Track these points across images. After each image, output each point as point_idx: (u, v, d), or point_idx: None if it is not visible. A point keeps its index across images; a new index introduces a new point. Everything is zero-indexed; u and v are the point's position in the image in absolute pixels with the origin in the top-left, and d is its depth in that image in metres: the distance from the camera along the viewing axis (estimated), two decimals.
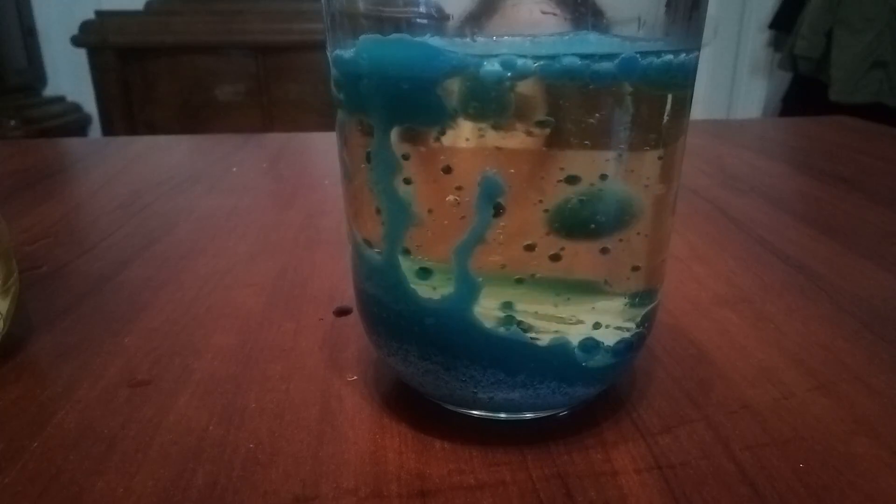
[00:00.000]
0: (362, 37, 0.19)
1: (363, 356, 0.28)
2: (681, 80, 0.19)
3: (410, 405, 0.24)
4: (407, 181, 0.19)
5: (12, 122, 1.73)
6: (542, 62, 0.17)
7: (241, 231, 0.44)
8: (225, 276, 0.36)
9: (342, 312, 0.31)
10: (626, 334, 0.21)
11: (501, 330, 0.20)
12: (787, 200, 0.52)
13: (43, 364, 0.27)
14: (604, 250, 0.19)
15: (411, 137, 0.18)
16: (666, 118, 0.19)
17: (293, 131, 0.82)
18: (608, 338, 0.21)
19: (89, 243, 0.41)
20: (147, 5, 1.98)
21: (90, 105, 1.93)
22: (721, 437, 0.22)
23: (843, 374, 0.26)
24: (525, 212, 0.18)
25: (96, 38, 1.81)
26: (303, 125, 1.97)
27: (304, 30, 2.09)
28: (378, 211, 0.20)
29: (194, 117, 2.06)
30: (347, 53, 0.19)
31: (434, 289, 0.20)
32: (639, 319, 0.22)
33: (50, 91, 2.04)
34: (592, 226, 0.19)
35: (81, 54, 1.80)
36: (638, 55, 0.17)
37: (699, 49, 0.20)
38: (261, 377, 0.26)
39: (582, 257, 0.19)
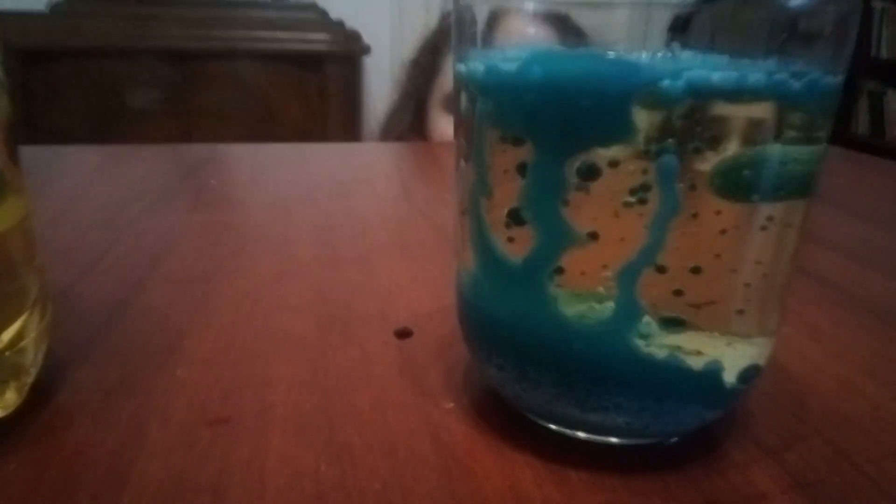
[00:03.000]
0: (532, 48, 0.18)
1: (448, 381, 0.26)
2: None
3: (523, 432, 0.23)
4: (571, 201, 0.18)
5: None
6: (770, 80, 0.17)
7: (251, 248, 0.41)
8: (258, 299, 0.33)
9: (403, 335, 0.30)
10: (761, 360, 0.21)
11: (658, 356, 0.19)
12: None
13: (92, 404, 0.24)
14: (765, 276, 0.19)
15: (586, 156, 0.18)
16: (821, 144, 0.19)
17: (213, 142, 0.78)
18: (747, 361, 0.21)
19: (84, 265, 0.37)
20: (52, 7, 1.85)
21: None
22: (841, 452, 0.22)
23: None
24: (696, 235, 0.18)
25: None
26: (223, 136, 1.89)
27: (225, 37, 2.01)
28: (527, 230, 0.19)
29: (103, 125, 1.93)
30: (508, 65, 0.18)
31: (589, 313, 0.19)
32: (769, 344, 0.22)
33: None
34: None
35: None
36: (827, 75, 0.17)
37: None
38: (350, 409, 0.24)
39: (736, 286, 0.19)
